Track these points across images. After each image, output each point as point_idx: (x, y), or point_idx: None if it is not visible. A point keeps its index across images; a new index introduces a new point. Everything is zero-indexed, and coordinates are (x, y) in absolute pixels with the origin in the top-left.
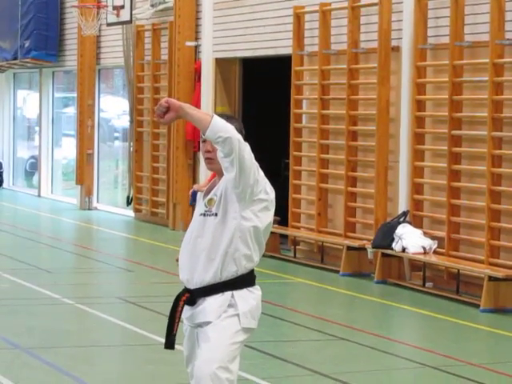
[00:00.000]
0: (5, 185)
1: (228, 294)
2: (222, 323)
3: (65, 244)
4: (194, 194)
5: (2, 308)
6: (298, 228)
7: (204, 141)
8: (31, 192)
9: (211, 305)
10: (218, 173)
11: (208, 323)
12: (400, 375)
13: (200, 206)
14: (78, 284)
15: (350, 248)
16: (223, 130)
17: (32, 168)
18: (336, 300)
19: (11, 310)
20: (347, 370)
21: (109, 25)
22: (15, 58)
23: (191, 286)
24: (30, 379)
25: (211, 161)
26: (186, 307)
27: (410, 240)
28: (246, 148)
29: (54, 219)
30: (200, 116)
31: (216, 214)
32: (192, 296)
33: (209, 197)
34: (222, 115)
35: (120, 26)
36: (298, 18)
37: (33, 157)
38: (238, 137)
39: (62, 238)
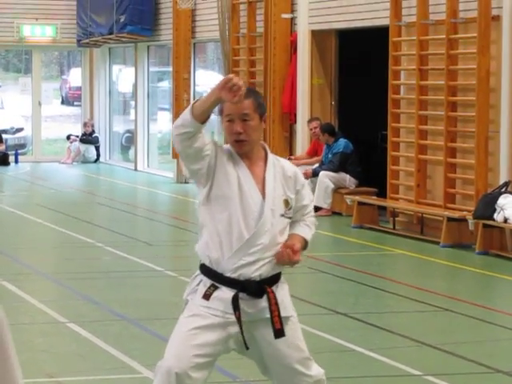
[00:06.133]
0: (101, 159)
1: None
2: None
3: (163, 217)
4: None
5: (106, 280)
6: (397, 199)
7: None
8: (127, 166)
9: None
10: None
11: None
12: (506, 345)
13: None
14: (180, 257)
15: (450, 219)
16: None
17: (128, 142)
18: (437, 271)
19: (116, 282)
20: (453, 341)
21: None
22: (111, 33)
23: None
24: (138, 350)
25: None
26: None
27: None
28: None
29: (151, 192)
30: None
31: None
32: None
33: None
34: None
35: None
36: None
37: (128, 131)
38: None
39: (160, 211)
